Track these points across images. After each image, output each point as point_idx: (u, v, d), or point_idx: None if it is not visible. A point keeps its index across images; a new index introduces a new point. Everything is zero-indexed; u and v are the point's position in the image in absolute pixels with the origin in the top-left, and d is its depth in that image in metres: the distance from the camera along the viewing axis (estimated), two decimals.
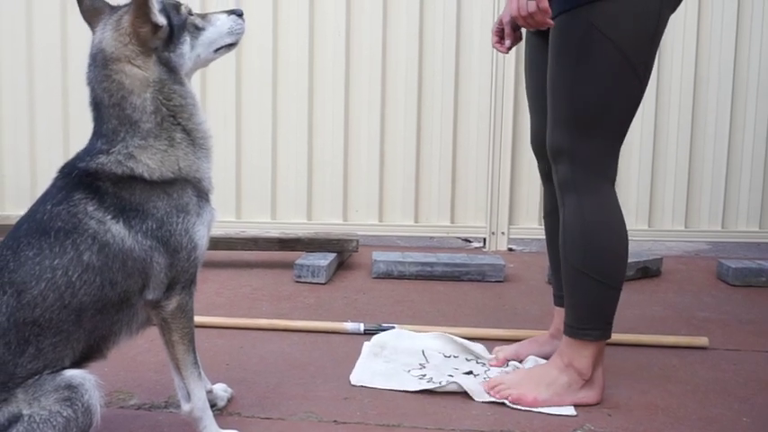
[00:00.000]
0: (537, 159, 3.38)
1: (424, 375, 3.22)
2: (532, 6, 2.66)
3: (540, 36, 3.11)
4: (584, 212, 2.93)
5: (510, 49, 3.28)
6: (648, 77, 2.91)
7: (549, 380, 3.01)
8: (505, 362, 3.41)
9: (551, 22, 2.72)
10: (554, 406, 2.96)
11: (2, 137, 5.90)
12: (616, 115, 2.91)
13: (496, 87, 5.68)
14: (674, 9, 2.91)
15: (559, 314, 3.39)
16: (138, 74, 2.43)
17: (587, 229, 2.93)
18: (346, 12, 5.70)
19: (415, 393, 3.09)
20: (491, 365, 3.39)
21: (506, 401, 2.99)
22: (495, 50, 5.43)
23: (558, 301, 3.41)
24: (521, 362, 3.40)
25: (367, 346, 3.56)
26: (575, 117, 2.90)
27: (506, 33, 3.28)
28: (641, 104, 2.98)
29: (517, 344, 3.52)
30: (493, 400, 3.02)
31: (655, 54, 2.91)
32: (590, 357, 2.99)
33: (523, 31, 3.28)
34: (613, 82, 2.83)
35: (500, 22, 3.29)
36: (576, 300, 3.01)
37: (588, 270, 2.93)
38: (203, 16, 2.64)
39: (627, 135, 3.00)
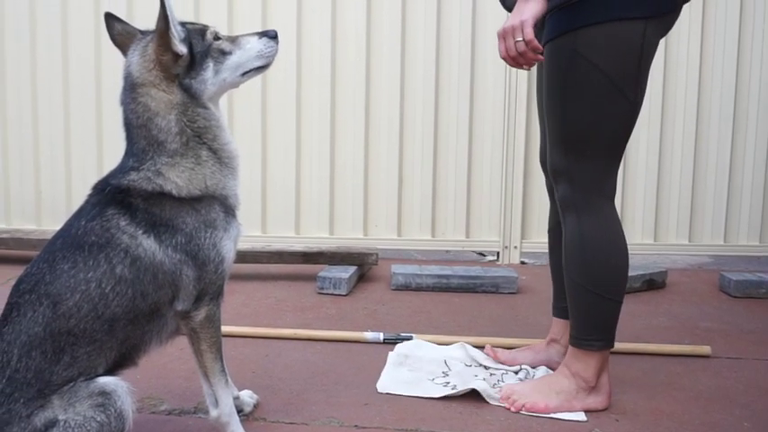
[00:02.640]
0: (545, 176, 3.37)
1: (448, 383, 3.20)
2: (522, 46, 2.65)
3: None
4: (584, 230, 2.91)
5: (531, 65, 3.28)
6: (641, 98, 2.87)
7: (558, 388, 3.00)
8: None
9: (542, 57, 2.71)
10: (565, 412, 2.96)
11: (39, 156, 5.95)
12: (608, 136, 2.86)
13: (509, 109, 5.67)
14: (662, 34, 2.87)
15: (556, 324, 3.42)
16: (163, 97, 2.43)
17: (586, 246, 2.91)
18: (366, 39, 5.71)
19: (431, 400, 3.08)
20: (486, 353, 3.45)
21: (522, 411, 2.99)
22: (507, 74, 5.53)
23: (556, 311, 3.43)
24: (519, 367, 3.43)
25: (391, 356, 3.55)
26: (567, 139, 2.88)
27: None
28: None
29: (514, 350, 3.53)
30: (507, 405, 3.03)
31: (645, 76, 2.84)
32: (594, 366, 2.98)
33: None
34: (601, 105, 2.79)
35: None
36: (579, 312, 3.00)
37: (588, 284, 2.92)
38: (233, 39, 2.60)
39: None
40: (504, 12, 3.08)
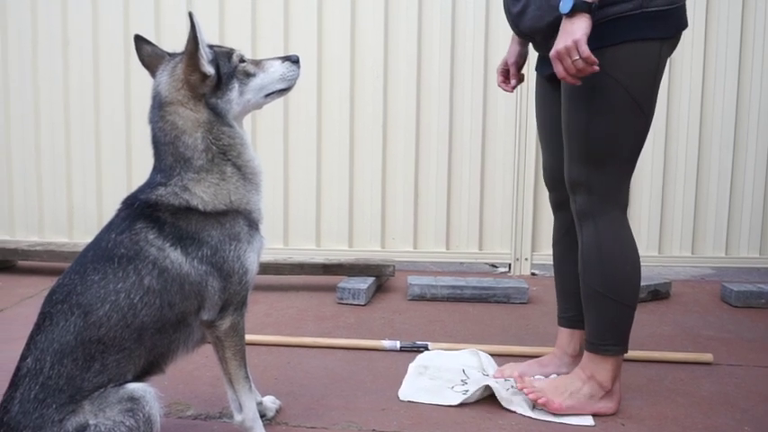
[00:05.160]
0: (549, 191, 3.37)
1: (467, 391, 3.17)
2: (580, 64, 2.64)
3: (547, 77, 3.12)
4: (601, 239, 2.92)
5: (515, 88, 3.30)
6: (653, 112, 2.91)
7: (573, 389, 3.01)
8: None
9: (597, 68, 2.68)
10: (577, 413, 2.96)
11: (71, 172, 5.96)
12: (627, 149, 2.90)
13: (520, 127, 5.64)
14: (671, 51, 2.91)
15: (562, 334, 3.40)
16: (190, 116, 2.44)
17: (604, 254, 2.92)
18: (383, 63, 5.70)
19: (446, 405, 3.08)
20: (494, 377, 3.38)
21: (536, 403, 3.01)
22: (518, 93, 5.52)
23: (562, 322, 3.40)
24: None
25: (412, 366, 3.53)
26: (589, 152, 2.89)
27: (512, 74, 3.35)
28: (652, 142, 2.96)
29: (523, 364, 3.46)
30: (518, 411, 3.02)
31: (657, 91, 2.90)
32: (610, 370, 2.98)
33: (525, 71, 3.31)
34: (622, 119, 2.82)
35: (505, 64, 3.36)
36: (596, 318, 2.99)
37: (606, 291, 2.92)
38: (257, 63, 2.62)
39: (638, 170, 2.97)
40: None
